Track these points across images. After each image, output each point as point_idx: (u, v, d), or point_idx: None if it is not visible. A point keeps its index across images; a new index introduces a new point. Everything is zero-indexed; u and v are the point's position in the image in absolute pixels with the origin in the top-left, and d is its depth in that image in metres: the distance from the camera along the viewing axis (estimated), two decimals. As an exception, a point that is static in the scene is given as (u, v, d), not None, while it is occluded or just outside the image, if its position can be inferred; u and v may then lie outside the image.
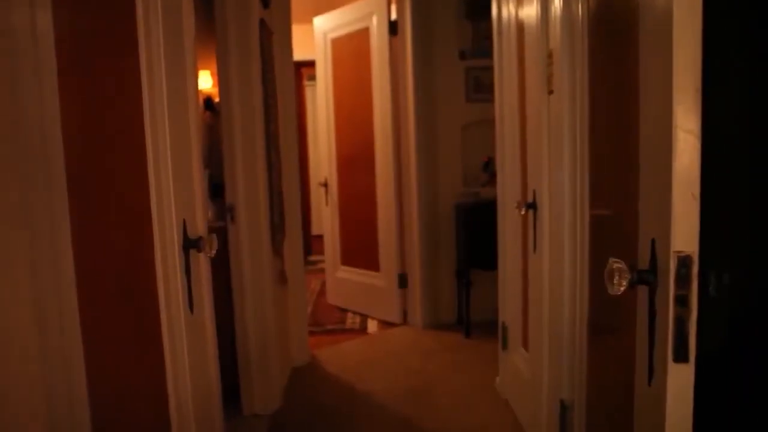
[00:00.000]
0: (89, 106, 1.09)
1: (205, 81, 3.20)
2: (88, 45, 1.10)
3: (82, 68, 1.06)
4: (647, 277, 0.93)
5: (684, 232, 0.86)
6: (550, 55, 1.99)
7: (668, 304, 0.87)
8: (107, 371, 1.10)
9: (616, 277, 0.93)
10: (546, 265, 2.12)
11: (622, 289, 0.93)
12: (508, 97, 2.68)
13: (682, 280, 0.86)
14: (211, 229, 2.91)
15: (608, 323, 1.59)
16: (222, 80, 2.66)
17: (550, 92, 2.01)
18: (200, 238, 1.45)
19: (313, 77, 4.89)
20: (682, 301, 0.87)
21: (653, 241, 0.93)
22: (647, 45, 0.98)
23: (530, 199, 2.28)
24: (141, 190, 1.28)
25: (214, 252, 1.45)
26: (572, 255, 1.82)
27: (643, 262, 0.96)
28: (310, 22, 4.69)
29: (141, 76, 1.26)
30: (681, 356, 0.87)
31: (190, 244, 1.45)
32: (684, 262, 0.86)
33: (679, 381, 0.88)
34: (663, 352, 0.90)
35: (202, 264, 1.67)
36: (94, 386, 0.99)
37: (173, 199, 1.38)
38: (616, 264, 0.93)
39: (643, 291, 0.97)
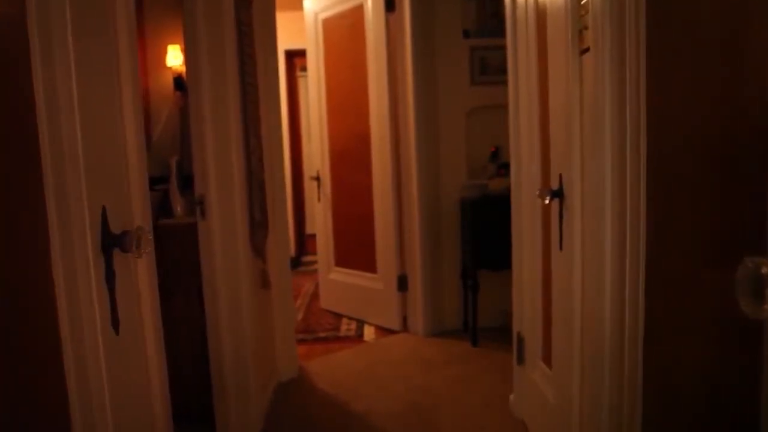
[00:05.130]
0: None
1: (175, 57, 2.81)
2: None
3: None
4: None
5: None
6: (584, 5, 1.60)
7: None
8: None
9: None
10: (578, 266, 1.74)
11: (775, 309, 0.55)
12: (524, 69, 2.29)
13: None
14: (180, 226, 2.53)
15: (681, 341, 1.21)
16: (189, 50, 2.27)
17: (584, 51, 1.63)
18: (125, 233, 1.06)
19: (306, 68, 4.50)
20: None
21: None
22: None
23: (555, 186, 1.90)
24: (28, 165, 0.90)
25: (143, 252, 1.06)
26: (618, 252, 1.43)
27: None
28: (302, 9, 4.30)
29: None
30: None
31: (113, 242, 1.06)
32: None
33: None
34: None
35: (140, 268, 1.28)
36: None
37: (84, 179, 0.99)
38: (765, 267, 0.55)
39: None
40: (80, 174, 0.98)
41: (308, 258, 6.67)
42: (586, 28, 1.59)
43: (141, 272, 1.28)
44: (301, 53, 5.42)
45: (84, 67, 0.98)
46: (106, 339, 1.05)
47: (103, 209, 1.06)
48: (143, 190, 1.31)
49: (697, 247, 1.12)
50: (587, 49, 1.58)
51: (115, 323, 1.08)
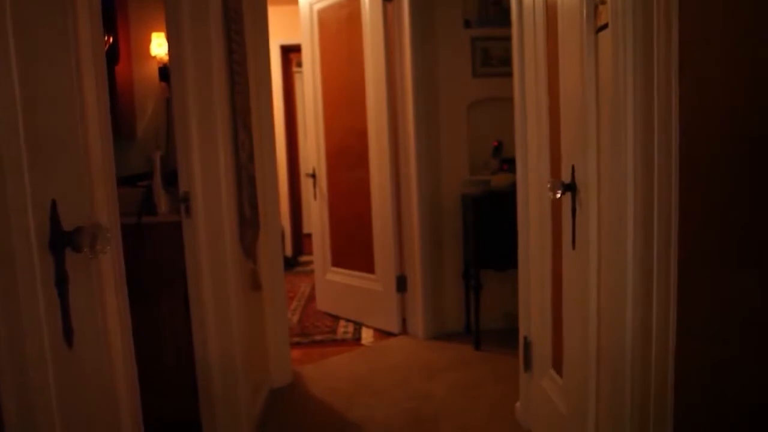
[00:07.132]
0: None
1: (159, 46, 2.65)
2: None
3: None
4: None
5: None
6: (600, -22, 1.46)
7: None
8: None
9: None
10: (593, 265, 1.59)
11: None
12: (531, 51, 2.14)
13: None
14: (164, 225, 2.38)
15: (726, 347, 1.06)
16: (172, 38, 2.12)
17: (600, 28, 1.48)
18: (78, 229, 0.91)
19: (302, 63, 4.34)
20: None
21: None
22: None
23: (567, 179, 1.75)
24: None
25: (98, 251, 0.91)
26: (642, 249, 1.28)
27: None
28: (297, 2, 4.14)
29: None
30: None
31: (65, 240, 0.91)
32: None
33: None
34: None
35: (104, 270, 1.13)
36: None
37: (27, 167, 0.84)
38: None
39: None
40: (22, 161, 0.83)
41: (306, 258, 6.51)
42: (603, 2, 1.44)
43: (105, 275, 1.13)
44: (297, 48, 5.27)
45: (26, 30, 0.83)
46: (56, 353, 0.90)
47: (53, 203, 0.91)
48: (108, 183, 1.16)
49: (738, 243, 0.97)
50: (604, 26, 1.43)
51: (68, 334, 0.93)
